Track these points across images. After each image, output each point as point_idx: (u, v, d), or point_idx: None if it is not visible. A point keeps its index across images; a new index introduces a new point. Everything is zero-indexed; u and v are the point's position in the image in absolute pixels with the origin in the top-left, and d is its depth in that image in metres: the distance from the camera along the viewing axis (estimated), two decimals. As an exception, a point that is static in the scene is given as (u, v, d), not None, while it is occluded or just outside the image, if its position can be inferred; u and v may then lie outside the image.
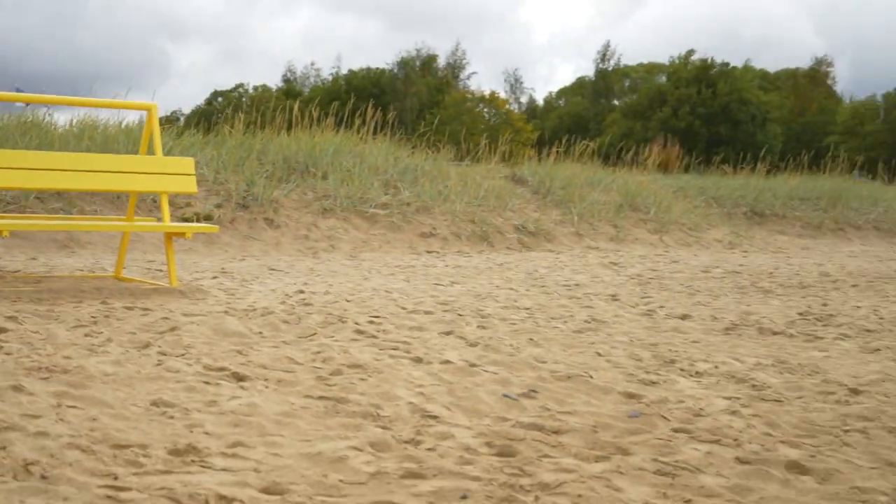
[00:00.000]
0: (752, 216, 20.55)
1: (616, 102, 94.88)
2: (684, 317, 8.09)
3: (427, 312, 7.68)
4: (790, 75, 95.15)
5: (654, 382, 5.43)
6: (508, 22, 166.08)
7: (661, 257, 15.16)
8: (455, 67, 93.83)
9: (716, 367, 5.94)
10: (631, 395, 5.08)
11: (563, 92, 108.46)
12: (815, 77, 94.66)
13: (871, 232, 21.02)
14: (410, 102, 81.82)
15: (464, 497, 3.36)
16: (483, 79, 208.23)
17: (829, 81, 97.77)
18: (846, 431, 4.83)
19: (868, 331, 7.67)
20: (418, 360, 5.65)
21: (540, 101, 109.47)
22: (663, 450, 4.25)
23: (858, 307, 9.11)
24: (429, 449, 3.94)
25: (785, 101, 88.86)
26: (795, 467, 4.23)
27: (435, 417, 4.43)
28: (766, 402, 5.20)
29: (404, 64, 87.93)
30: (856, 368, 6.18)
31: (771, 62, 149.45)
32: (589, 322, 7.58)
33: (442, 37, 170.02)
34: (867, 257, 16.20)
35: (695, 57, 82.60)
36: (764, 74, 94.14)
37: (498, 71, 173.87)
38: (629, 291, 9.96)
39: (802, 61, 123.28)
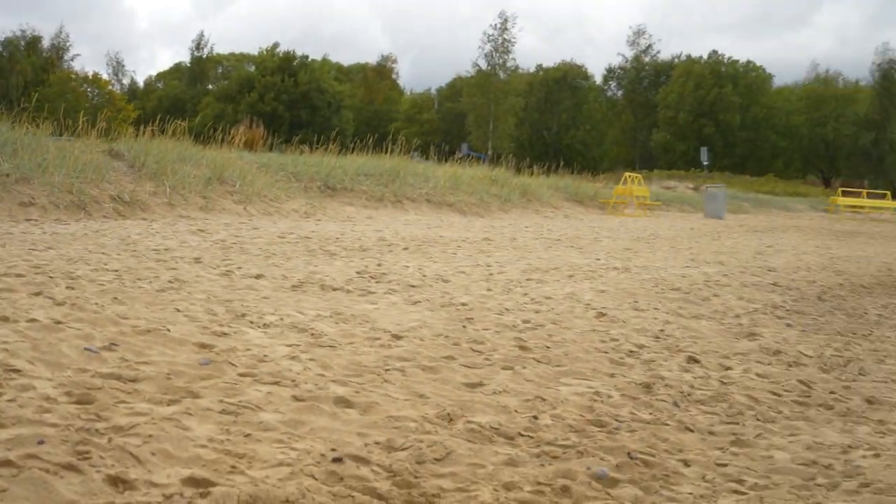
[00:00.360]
0: (326, 189, 20.89)
1: (210, 87, 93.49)
2: (258, 276, 8.13)
3: (18, 275, 7.25)
4: (361, 69, 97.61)
5: (225, 334, 5.44)
6: (112, 8, 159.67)
7: (244, 225, 15.12)
8: (59, 49, 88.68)
9: (281, 319, 6.03)
10: (204, 346, 5.06)
11: (162, 76, 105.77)
12: (382, 71, 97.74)
13: (423, 203, 21.95)
14: (15, 80, 76.71)
15: (41, 442, 3.24)
16: (87, 61, 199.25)
17: (394, 76, 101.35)
18: (387, 370, 5.06)
19: (412, 286, 8.05)
20: (5, 319, 5.33)
21: (141, 84, 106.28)
22: (229, 392, 4.28)
23: (407, 267, 9.53)
24: (9, 400, 3.75)
25: (356, 91, 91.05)
26: (343, 402, 4.39)
27: (17, 371, 4.20)
28: (322, 348, 5.35)
29: (8, 43, 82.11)
30: (399, 318, 6.48)
31: (345, 57, 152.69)
32: (172, 282, 7.45)
33: (46, 20, 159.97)
34: (419, 225, 16.96)
35: (280, 49, 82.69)
36: (339, 67, 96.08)
37: (102, 53, 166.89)
38: (212, 255, 9.87)
39: (371, 57, 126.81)
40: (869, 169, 74.16)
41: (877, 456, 5.03)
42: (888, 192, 47.52)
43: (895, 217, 40.89)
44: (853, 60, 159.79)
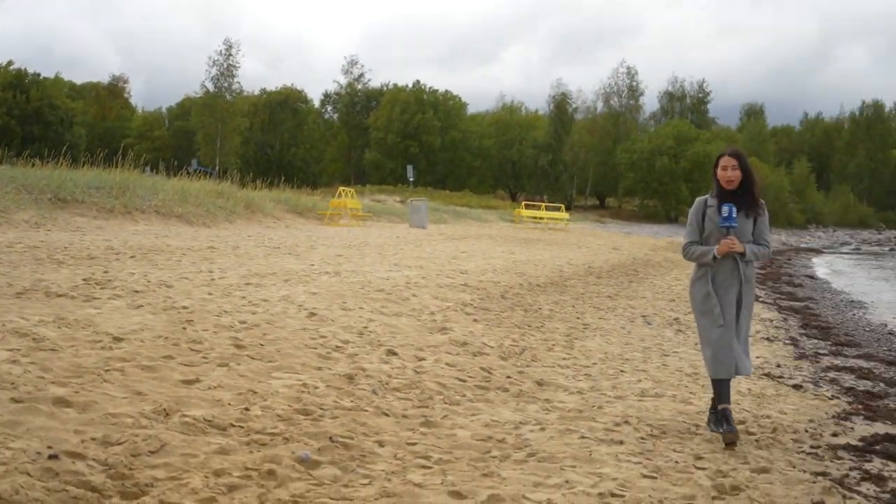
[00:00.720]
0: (57, 201, 19.65)
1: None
2: (-21, 286, 7.54)
3: None
4: (94, 88, 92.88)
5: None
6: None
7: (-29, 235, 14.04)
8: None
9: (3, 325, 5.62)
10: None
11: None
12: (114, 90, 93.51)
13: (153, 215, 21.09)
14: None
15: None
16: None
17: (126, 95, 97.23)
18: (107, 371, 4.85)
19: (136, 292, 7.72)
20: None
21: None
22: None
23: (133, 273, 9.13)
24: None
25: (89, 109, 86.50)
26: (61, 402, 4.17)
27: None
28: (44, 352, 5.04)
29: None
30: (122, 321, 6.21)
31: (78, 76, 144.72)
32: None
33: None
34: (147, 235, 16.29)
35: (13, 67, 77.26)
36: (72, 86, 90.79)
37: None
38: (-64, 264, 9.08)
39: (104, 77, 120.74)
40: (547, 185, 78.07)
41: (542, 430, 5.34)
42: (562, 206, 50.31)
43: (567, 227, 43.39)
44: (533, 92, 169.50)
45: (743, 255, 5.55)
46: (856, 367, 9.48)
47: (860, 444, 6.03)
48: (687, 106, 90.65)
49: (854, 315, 15.60)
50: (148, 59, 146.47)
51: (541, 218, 44.37)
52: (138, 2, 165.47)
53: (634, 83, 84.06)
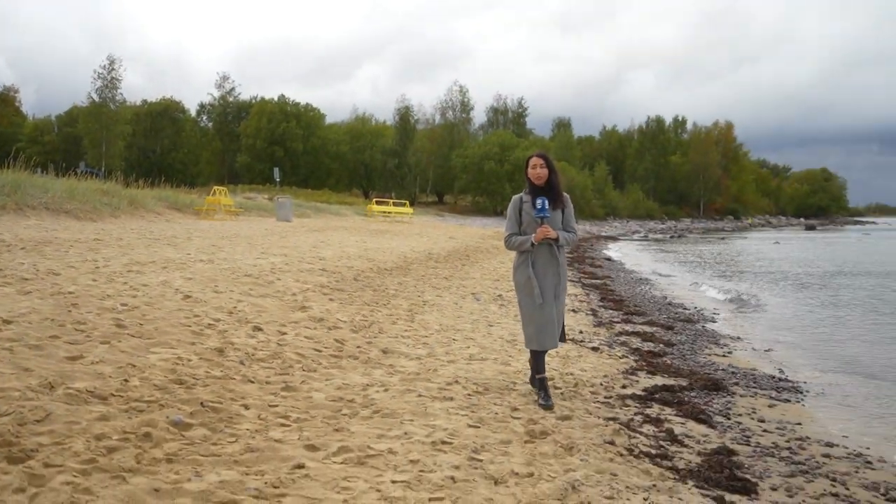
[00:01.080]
0: (-50, 199, 18.40)
1: None
2: None
3: None
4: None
5: None
6: None
7: None
8: None
9: None
10: None
11: None
12: (6, 99, 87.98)
13: (43, 211, 19.90)
14: None
15: None
16: None
17: (17, 103, 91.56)
18: (-5, 350, 4.58)
19: (26, 279, 7.24)
20: None
21: None
22: None
23: (23, 263, 8.58)
24: None
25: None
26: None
27: None
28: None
29: None
30: (11, 306, 5.83)
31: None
32: None
33: None
34: (38, 229, 15.39)
35: None
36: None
37: None
38: None
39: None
40: (394, 185, 78.04)
41: (386, 390, 5.36)
42: (407, 202, 50.51)
43: (412, 220, 43.57)
44: (382, 106, 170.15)
45: (557, 240, 5.58)
46: (642, 332, 9.93)
47: (643, 393, 6.33)
48: (509, 119, 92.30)
49: (641, 290, 16.33)
50: (38, 70, 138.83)
51: (389, 212, 44.44)
52: (28, 18, 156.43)
53: (466, 99, 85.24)
